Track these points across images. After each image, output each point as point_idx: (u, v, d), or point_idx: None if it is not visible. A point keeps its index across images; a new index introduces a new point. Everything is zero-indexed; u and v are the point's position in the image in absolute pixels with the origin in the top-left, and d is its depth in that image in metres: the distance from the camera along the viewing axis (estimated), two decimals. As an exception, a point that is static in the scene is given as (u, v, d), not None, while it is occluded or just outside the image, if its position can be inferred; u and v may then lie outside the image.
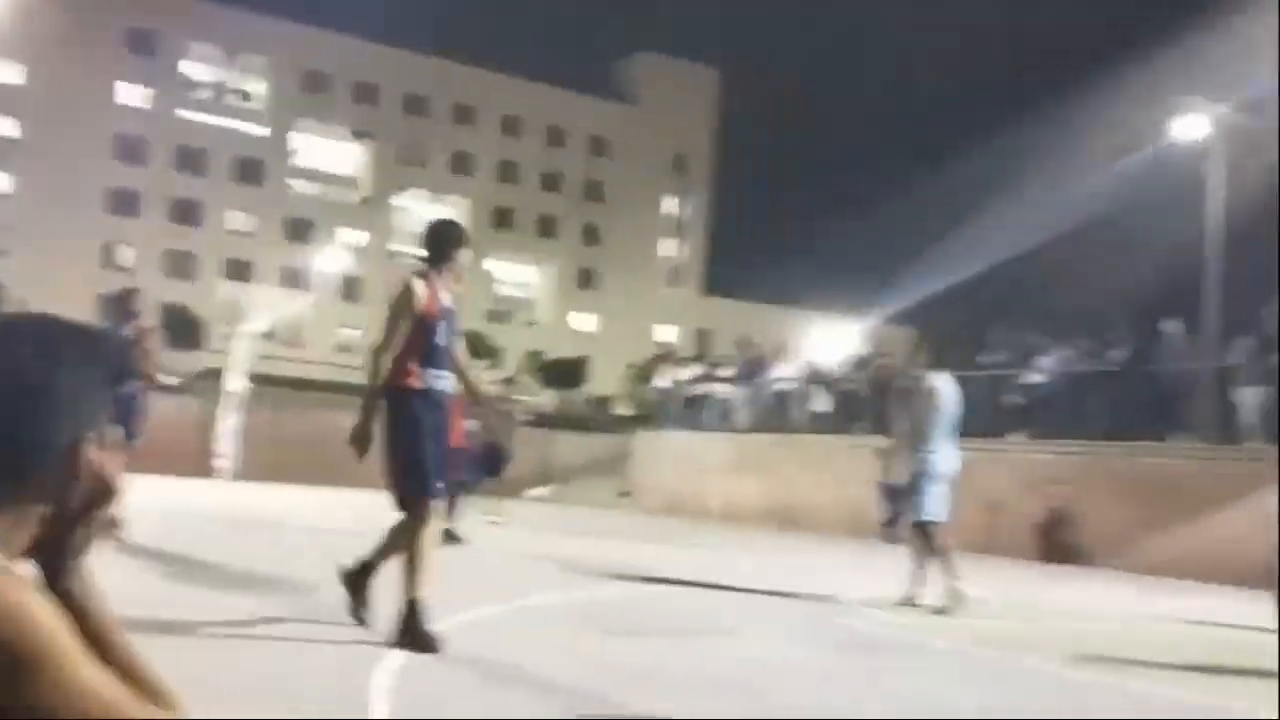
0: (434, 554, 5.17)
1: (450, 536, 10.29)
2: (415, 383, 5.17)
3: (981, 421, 17.95)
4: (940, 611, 8.08)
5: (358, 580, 5.32)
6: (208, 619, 5.39)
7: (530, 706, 4.06)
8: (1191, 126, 17.92)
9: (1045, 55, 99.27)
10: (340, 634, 5.20)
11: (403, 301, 5.26)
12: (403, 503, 5.16)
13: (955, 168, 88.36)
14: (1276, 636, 5.29)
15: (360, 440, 5.12)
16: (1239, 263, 17.99)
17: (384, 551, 5.29)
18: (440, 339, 5.29)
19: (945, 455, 8.66)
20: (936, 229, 62.10)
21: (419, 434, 5.15)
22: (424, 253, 5.54)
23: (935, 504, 8.60)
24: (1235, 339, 15.80)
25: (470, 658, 4.70)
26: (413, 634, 4.83)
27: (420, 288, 5.31)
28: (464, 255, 5.61)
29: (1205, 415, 15.67)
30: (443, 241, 5.56)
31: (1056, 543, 15.70)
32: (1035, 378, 17.86)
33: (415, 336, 5.18)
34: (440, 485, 5.26)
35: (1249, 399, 14.83)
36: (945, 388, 8.86)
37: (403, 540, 5.16)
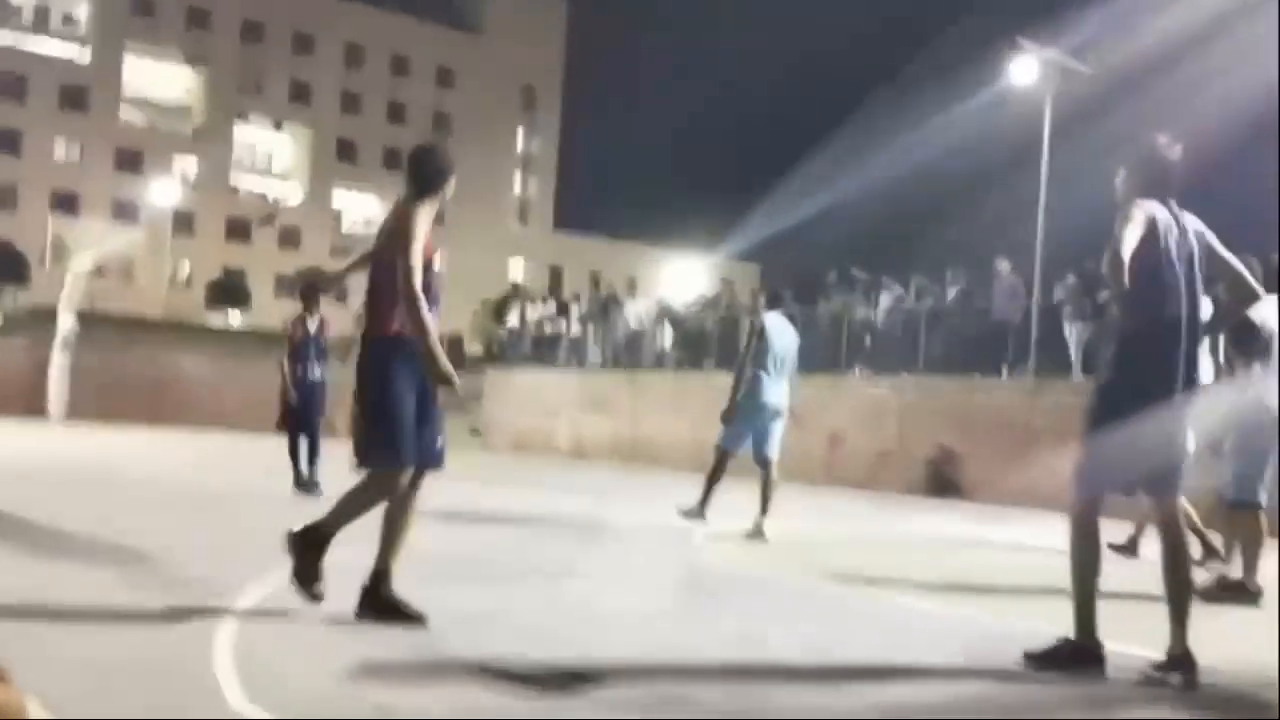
0: (411, 522, 4.69)
1: (309, 485, 10.12)
2: (402, 331, 4.58)
3: (824, 358, 18.42)
4: (753, 537, 8.54)
5: (309, 549, 4.61)
6: (23, 589, 5.16)
7: (361, 654, 4.02)
8: (1024, 71, 18.47)
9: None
10: (176, 599, 5.04)
11: (409, 231, 4.60)
12: (369, 472, 4.62)
13: (805, 106, 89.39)
14: None
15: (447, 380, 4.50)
16: (1066, 203, 18.71)
17: (339, 517, 4.65)
18: (434, 282, 4.73)
19: (776, 391, 8.86)
20: (783, 166, 62.94)
21: (399, 394, 4.57)
22: (409, 182, 4.94)
23: (737, 434, 8.97)
24: (1062, 277, 16.51)
25: (308, 610, 4.61)
26: (383, 606, 4.51)
27: (425, 218, 4.71)
28: (451, 186, 5.02)
29: (1035, 350, 16.36)
30: (429, 169, 4.98)
31: (939, 478, 16.07)
32: (874, 315, 18.36)
33: None
34: (411, 452, 4.59)
35: (1074, 335, 15.55)
36: (777, 325, 9.04)
37: (359, 508, 4.64)
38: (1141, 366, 4.20)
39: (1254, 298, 4.50)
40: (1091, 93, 20.78)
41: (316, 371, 10.47)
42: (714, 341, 21.00)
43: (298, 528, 4.69)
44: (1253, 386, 6.44)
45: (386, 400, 4.58)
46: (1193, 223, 4.38)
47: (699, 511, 9.03)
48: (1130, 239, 4.18)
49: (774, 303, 9.48)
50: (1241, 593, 6.44)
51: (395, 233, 4.69)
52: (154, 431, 20.40)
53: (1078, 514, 4.46)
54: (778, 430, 8.98)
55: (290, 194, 69.86)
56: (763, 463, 8.96)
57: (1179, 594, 4.17)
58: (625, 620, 5.16)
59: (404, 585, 4.65)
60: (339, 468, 5.70)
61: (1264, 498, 6.52)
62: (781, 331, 9.05)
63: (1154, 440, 4.11)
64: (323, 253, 64.60)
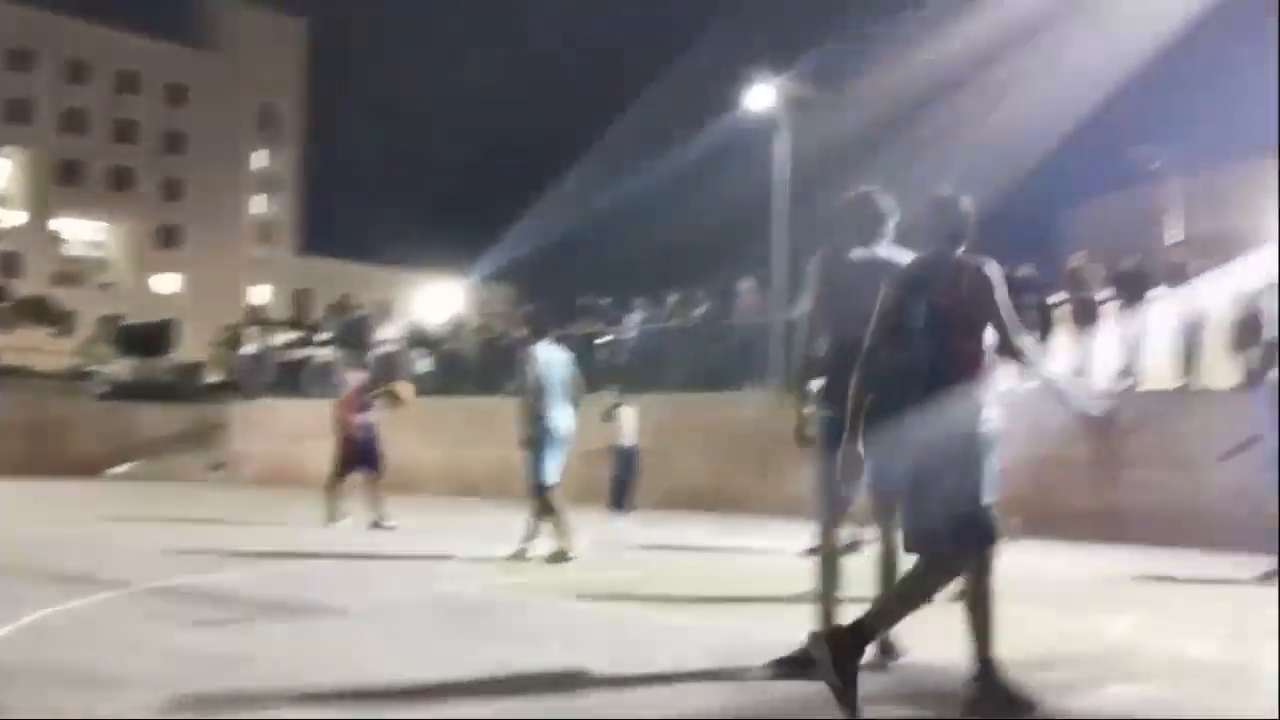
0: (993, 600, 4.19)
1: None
2: None
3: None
4: (555, 560, 8.72)
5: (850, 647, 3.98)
6: None
7: (98, 706, 3.79)
8: (760, 97, 19.24)
9: (637, 20, 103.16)
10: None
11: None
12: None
13: (556, 125, 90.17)
14: None
15: None
16: (803, 223, 19.59)
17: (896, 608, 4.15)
18: None
19: (559, 419, 9.00)
20: (536, 187, 63.24)
21: None
22: None
23: (549, 468, 8.99)
24: (799, 295, 17.25)
25: (37, 661, 4.31)
26: (1000, 696, 4.06)
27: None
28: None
29: (776, 366, 17.02)
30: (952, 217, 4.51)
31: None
32: (625, 335, 18.69)
33: None
34: None
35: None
36: (550, 356, 9.17)
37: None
38: (842, 391, 4.39)
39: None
40: (824, 118, 21.87)
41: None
42: (471, 365, 20.85)
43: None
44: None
45: None
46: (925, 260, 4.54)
47: (563, 556, 8.93)
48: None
49: (540, 333, 9.53)
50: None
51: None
52: None
53: (821, 526, 4.72)
54: (559, 457, 9.07)
55: (8, 218, 65.08)
56: (537, 489, 9.03)
57: (889, 596, 4.45)
58: (381, 654, 5.05)
59: (156, 633, 4.41)
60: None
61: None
62: (551, 360, 9.16)
63: (874, 459, 4.30)
64: (43, 280, 60.52)
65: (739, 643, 5.46)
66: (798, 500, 13.75)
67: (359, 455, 12.50)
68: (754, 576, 8.75)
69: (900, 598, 4.24)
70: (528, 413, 9.00)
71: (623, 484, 13.47)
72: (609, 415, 13.45)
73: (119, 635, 5.26)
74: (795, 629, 4.81)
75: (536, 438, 8.97)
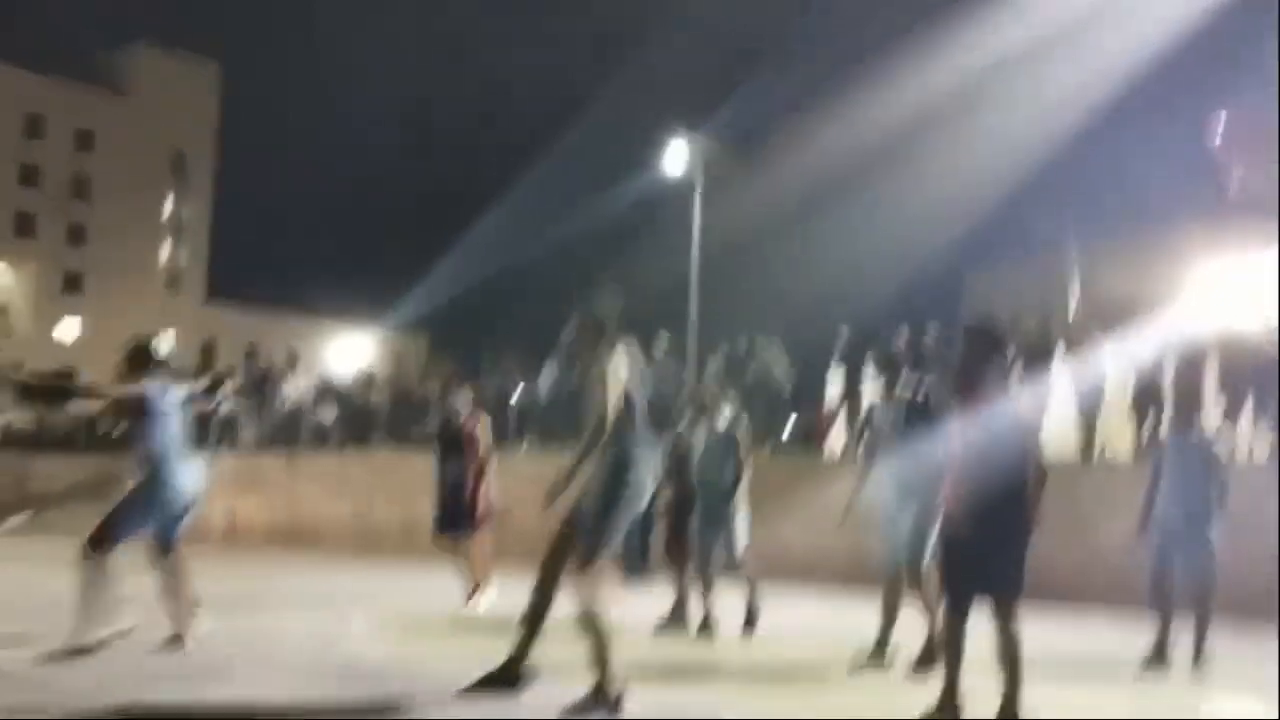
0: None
1: None
2: None
3: (494, 434, 18.41)
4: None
5: None
6: None
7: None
8: (677, 155, 19.49)
9: (557, 71, 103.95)
10: None
11: None
12: None
13: (468, 177, 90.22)
14: None
15: None
16: (718, 282, 19.81)
17: None
18: None
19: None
20: (450, 237, 63.02)
21: None
22: None
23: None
24: (710, 356, 17.37)
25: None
26: None
27: None
28: None
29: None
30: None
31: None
32: (539, 392, 18.61)
33: None
34: None
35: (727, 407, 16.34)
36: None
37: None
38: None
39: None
40: (739, 179, 22.21)
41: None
42: (380, 418, 20.59)
43: None
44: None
45: None
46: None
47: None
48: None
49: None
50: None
51: None
52: None
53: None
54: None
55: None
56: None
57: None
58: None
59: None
60: None
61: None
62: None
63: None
64: (-61, 324, 58.62)
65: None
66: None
67: None
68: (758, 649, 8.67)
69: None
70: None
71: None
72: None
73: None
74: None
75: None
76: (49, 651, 6.19)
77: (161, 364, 6.96)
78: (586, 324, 5.60)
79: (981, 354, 5.28)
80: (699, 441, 8.80)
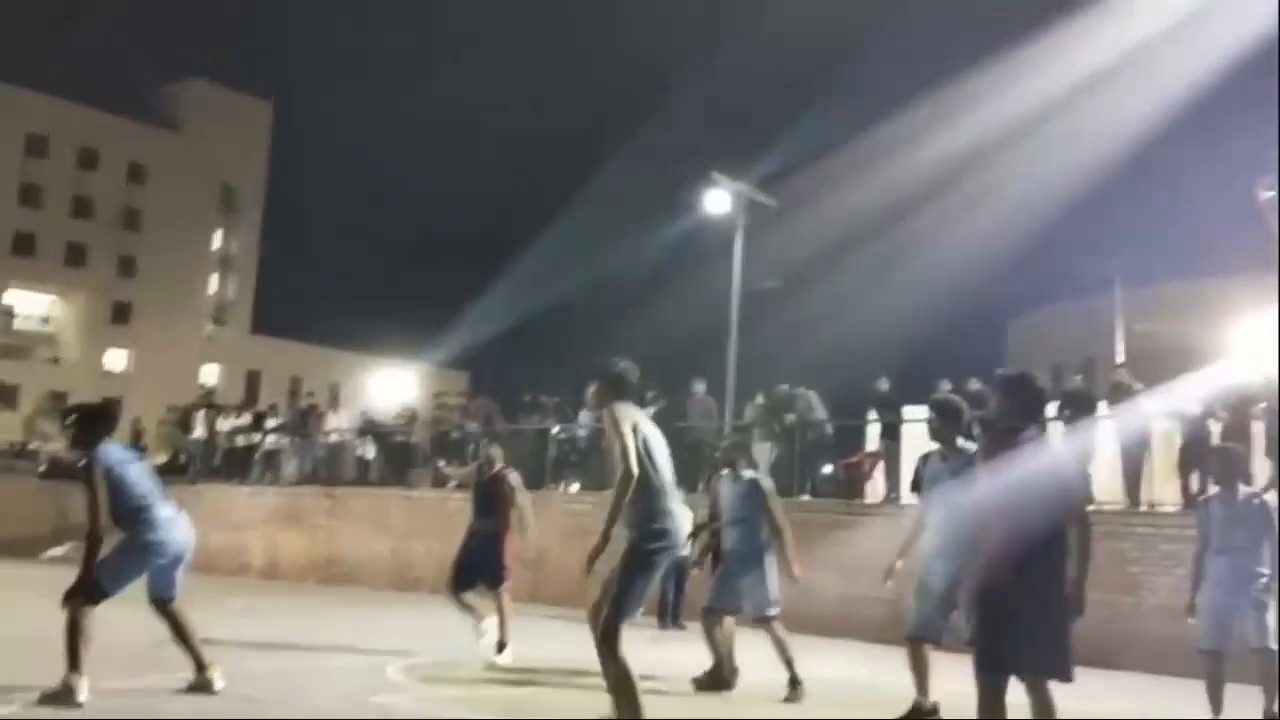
0: None
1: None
2: None
3: (531, 473, 18.43)
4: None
5: None
6: None
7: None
8: (718, 201, 19.53)
9: (602, 113, 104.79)
10: None
11: None
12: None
13: (513, 219, 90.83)
14: None
15: None
16: (756, 327, 19.79)
17: None
18: None
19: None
20: (491, 276, 63.45)
21: None
22: None
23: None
24: (752, 398, 17.32)
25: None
26: None
27: None
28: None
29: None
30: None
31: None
32: (577, 432, 18.63)
33: None
34: None
35: (763, 454, 16.28)
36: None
37: None
38: None
39: None
40: (780, 222, 22.21)
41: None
42: (420, 456, 20.66)
43: None
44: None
45: None
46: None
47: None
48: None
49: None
50: None
51: None
52: None
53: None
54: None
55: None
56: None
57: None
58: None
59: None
60: None
61: None
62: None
63: None
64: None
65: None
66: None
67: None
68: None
69: None
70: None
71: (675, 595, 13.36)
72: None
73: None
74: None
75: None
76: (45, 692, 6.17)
77: (112, 427, 6.87)
78: (603, 386, 5.62)
79: (1017, 405, 5.10)
80: (726, 492, 8.65)
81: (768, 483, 8.60)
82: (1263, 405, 12.14)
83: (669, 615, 13.51)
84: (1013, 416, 5.05)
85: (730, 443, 9.31)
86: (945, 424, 6.92)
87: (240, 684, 6.93)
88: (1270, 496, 7.72)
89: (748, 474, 8.60)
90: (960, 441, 6.92)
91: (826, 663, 9.78)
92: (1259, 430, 12.15)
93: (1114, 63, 21.71)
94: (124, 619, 6.89)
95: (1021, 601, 4.72)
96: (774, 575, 8.35)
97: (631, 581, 5.26)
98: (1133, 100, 22.99)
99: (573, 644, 12.30)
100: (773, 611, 8.25)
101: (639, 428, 5.45)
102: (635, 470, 5.27)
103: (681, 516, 5.46)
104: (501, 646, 9.07)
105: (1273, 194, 13.10)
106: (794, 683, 8.03)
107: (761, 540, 8.36)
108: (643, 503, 5.33)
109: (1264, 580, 7.14)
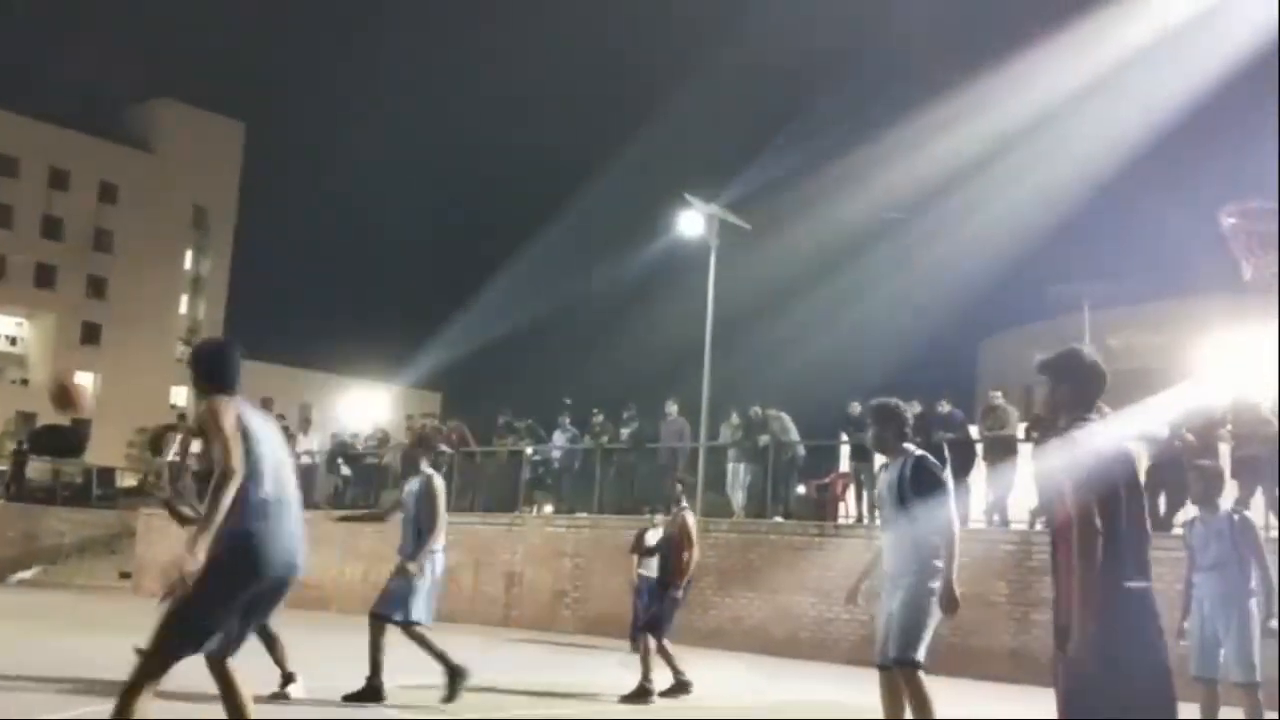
0: None
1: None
2: None
3: (502, 498, 18.43)
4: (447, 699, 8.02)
5: None
6: None
7: None
8: (691, 223, 19.59)
9: (575, 133, 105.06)
10: None
11: None
12: None
13: (485, 237, 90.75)
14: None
15: None
16: (730, 347, 19.81)
17: None
18: None
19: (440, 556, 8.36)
20: (464, 296, 63.38)
21: None
22: None
23: (422, 606, 8.23)
24: (726, 418, 17.33)
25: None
26: None
27: None
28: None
29: (701, 488, 17.00)
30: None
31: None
32: (551, 454, 18.58)
33: None
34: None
35: (737, 474, 16.30)
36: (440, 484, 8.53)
37: None
38: None
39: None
40: (753, 245, 22.30)
41: None
42: (391, 478, 20.52)
43: None
44: None
45: None
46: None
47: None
48: None
49: (436, 464, 9.24)
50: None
51: None
52: None
53: None
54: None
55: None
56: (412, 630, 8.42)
57: None
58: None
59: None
60: None
61: None
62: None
63: None
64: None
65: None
66: (720, 632, 13.63)
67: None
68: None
69: None
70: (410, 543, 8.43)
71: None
72: (640, 543, 12.19)
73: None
74: None
75: (407, 573, 8.25)
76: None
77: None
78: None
79: (1070, 390, 4.28)
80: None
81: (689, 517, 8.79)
82: (1228, 427, 12.25)
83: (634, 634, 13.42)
84: (1076, 407, 4.15)
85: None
86: (883, 428, 6.26)
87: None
88: (1249, 514, 7.76)
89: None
90: (905, 445, 6.36)
91: (799, 686, 9.79)
92: (1225, 451, 12.24)
93: (1084, 88, 21.96)
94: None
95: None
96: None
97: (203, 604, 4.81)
98: (1105, 122, 23.27)
99: (547, 668, 12.28)
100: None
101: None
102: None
103: None
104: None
105: (1234, 221, 13.23)
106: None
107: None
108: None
109: (1250, 601, 7.14)
